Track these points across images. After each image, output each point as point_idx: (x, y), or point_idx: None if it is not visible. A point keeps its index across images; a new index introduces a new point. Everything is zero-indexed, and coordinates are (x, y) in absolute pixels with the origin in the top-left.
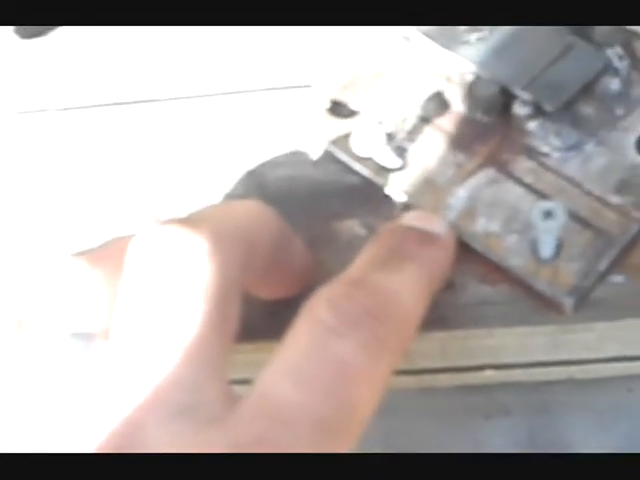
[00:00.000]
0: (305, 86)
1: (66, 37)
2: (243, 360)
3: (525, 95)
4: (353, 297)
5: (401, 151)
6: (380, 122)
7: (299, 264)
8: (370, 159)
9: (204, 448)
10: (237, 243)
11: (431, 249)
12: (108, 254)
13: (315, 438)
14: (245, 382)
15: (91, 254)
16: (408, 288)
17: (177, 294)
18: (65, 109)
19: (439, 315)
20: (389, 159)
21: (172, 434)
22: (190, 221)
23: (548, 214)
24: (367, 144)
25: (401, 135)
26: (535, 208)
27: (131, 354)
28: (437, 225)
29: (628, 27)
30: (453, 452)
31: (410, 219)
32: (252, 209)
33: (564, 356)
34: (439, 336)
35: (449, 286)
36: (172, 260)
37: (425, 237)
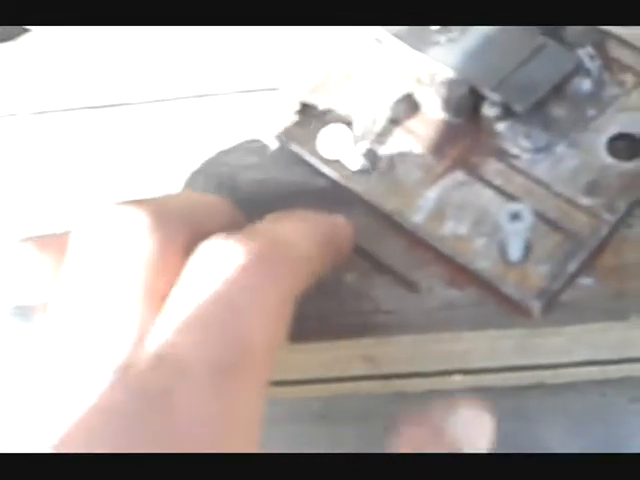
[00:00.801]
0: (274, 89)
1: (36, 41)
2: None
3: (494, 96)
4: (241, 240)
5: (370, 153)
6: (349, 124)
7: None
8: (338, 161)
9: (108, 394)
10: (180, 225)
11: (320, 217)
12: (58, 240)
13: (216, 380)
14: None
15: (40, 239)
16: (296, 234)
17: (113, 266)
18: (35, 113)
19: (406, 319)
20: (357, 161)
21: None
22: (134, 201)
23: (515, 216)
24: (335, 146)
25: (371, 137)
26: (502, 210)
27: (63, 321)
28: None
29: (600, 27)
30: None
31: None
32: (203, 197)
33: (534, 360)
34: (406, 340)
35: (413, 289)
36: (111, 235)
37: (313, 212)
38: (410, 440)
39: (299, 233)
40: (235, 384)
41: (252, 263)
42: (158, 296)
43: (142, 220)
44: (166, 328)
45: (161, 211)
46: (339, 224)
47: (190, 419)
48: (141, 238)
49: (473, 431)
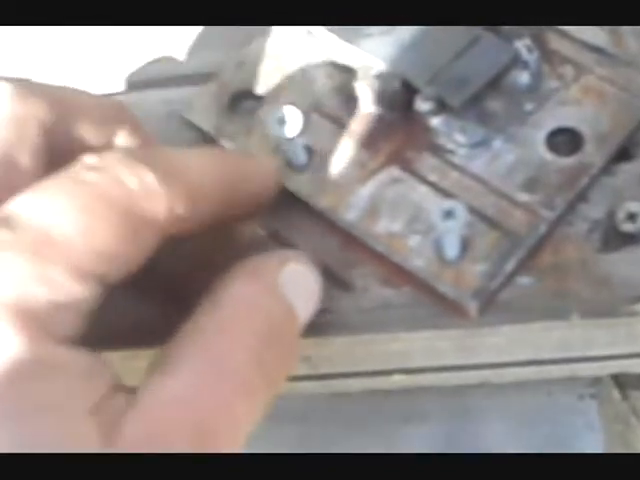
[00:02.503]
0: (202, 81)
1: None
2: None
3: (428, 90)
4: (128, 152)
5: (305, 149)
6: (280, 119)
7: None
8: (272, 158)
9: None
10: (42, 100)
11: (235, 156)
12: None
13: (42, 252)
14: None
15: None
16: (193, 160)
17: None
18: None
19: (342, 319)
20: (292, 157)
21: None
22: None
23: (449, 214)
24: (268, 142)
25: (303, 132)
26: (435, 208)
27: None
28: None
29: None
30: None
31: None
32: (83, 91)
33: (474, 360)
34: (343, 340)
35: (348, 289)
36: None
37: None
38: (242, 294)
39: (198, 162)
40: (58, 261)
41: (131, 182)
42: (8, 167)
43: (2, 88)
44: (21, 198)
45: (26, 86)
46: (256, 161)
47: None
48: None
49: (303, 287)
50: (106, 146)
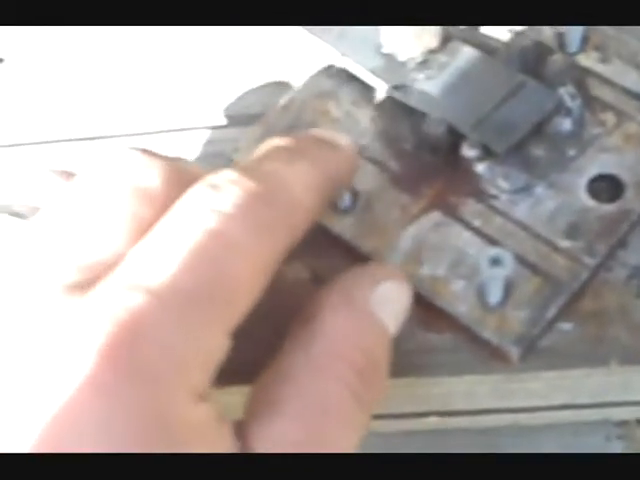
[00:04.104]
0: (249, 123)
1: (9, 71)
2: None
3: (473, 136)
4: (238, 181)
5: (351, 192)
6: None
7: None
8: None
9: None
10: (188, 183)
11: (327, 152)
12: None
13: (184, 308)
14: None
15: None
16: (298, 178)
17: (111, 192)
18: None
19: None
20: (336, 199)
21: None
22: (151, 152)
23: (495, 261)
24: None
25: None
26: (482, 255)
27: (43, 229)
28: (339, 136)
29: (581, 65)
30: None
31: (314, 131)
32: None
33: (511, 404)
34: None
35: None
36: (125, 168)
37: (323, 142)
38: (336, 326)
39: (303, 179)
40: (203, 318)
41: (249, 214)
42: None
43: (161, 168)
44: (150, 255)
45: (181, 173)
46: (344, 157)
47: (153, 347)
48: (156, 185)
49: (395, 304)
50: None
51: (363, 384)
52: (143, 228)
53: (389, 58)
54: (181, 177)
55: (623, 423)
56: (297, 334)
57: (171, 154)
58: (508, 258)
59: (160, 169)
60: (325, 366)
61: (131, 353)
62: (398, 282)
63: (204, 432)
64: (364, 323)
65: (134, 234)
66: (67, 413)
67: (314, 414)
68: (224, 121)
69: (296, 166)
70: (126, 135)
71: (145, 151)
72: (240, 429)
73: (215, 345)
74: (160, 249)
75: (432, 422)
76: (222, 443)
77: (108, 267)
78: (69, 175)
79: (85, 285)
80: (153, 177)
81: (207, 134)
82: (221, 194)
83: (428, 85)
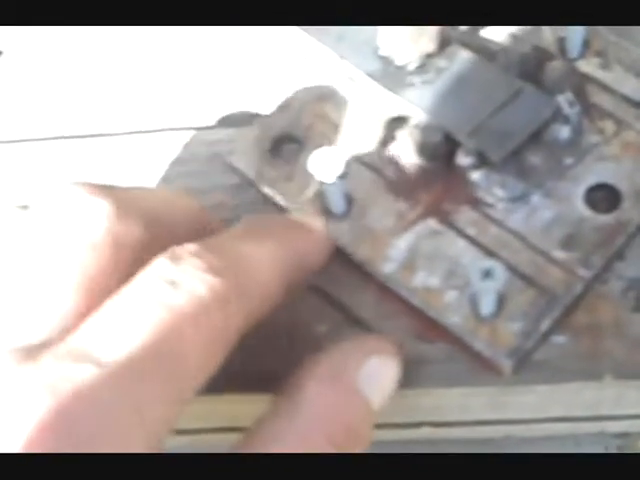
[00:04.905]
0: (244, 125)
1: (6, 67)
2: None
3: (469, 143)
4: (199, 254)
5: (343, 197)
6: (322, 165)
7: None
8: (312, 205)
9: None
10: (139, 220)
11: (296, 234)
12: None
13: (130, 383)
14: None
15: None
16: (261, 257)
17: (59, 244)
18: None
19: None
20: (330, 205)
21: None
22: (99, 186)
23: (487, 273)
24: (308, 189)
25: (343, 180)
26: (474, 267)
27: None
28: (312, 220)
29: (581, 71)
30: None
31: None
32: (169, 194)
33: (504, 416)
34: None
35: None
36: (68, 212)
37: (292, 224)
38: (321, 400)
39: (263, 258)
40: (149, 391)
41: (204, 288)
42: (96, 288)
43: (102, 207)
44: (101, 325)
45: (123, 204)
46: (314, 241)
47: (92, 419)
48: (95, 223)
49: (382, 380)
50: None
51: (342, 449)
52: (91, 276)
53: (387, 61)
54: (128, 210)
55: (622, 435)
56: (283, 400)
57: (168, 153)
58: (500, 270)
59: (105, 208)
60: (306, 437)
61: (70, 426)
62: (387, 357)
63: None
64: (348, 400)
65: (81, 286)
66: None
67: None
68: (221, 122)
69: (261, 246)
70: (122, 134)
71: (91, 187)
72: None
73: (161, 417)
74: (112, 321)
75: (425, 432)
76: None
77: (58, 328)
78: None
79: (34, 350)
80: (98, 220)
81: (203, 134)
82: (180, 267)
83: (425, 90)
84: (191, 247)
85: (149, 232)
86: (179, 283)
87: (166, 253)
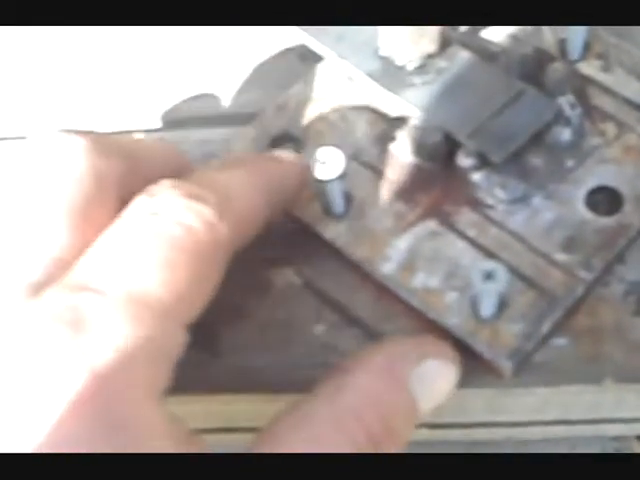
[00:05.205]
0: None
1: None
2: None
3: (470, 144)
4: (177, 186)
5: (342, 197)
6: (322, 165)
7: None
8: (312, 204)
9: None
10: (119, 157)
11: (267, 163)
12: None
13: (132, 309)
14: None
15: None
16: (239, 181)
17: (44, 182)
18: None
19: None
20: (332, 205)
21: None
22: (78, 130)
23: (489, 275)
24: (307, 188)
25: (342, 179)
26: (475, 268)
27: None
28: (282, 154)
29: (582, 73)
30: None
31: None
32: (147, 139)
33: (504, 418)
34: None
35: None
36: (48, 153)
37: (263, 155)
38: (369, 389)
39: (240, 180)
40: (155, 313)
41: (185, 213)
42: (86, 222)
43: (80, 143)
44: (95, 259)
45: (101, 141)
46: (286, 167)
47: (101, 341)
48: (75, 158)
49: (435, 384)
50: None
51: (373, 450)
52: (79, 209)
53: (387, 62)
54: (107, 147)
55: (620, 438)
56: (330, 381)
57: None
58: (502, 272)
59: (84, 144)
60: (342, 421)
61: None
62: (445, 362)
63: (155, 432)
64: (395, 394)
65: (71, 219)
66: None
67: None
68: (218, 120)
69: (237, 173)
70: (118, 132)
71: (69, 130)
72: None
73: (168, 345)
74: (107, 254)
75: (423, 434)
76: (173, 446)
77: (56, 263)
78: None
79: (36, 286)
80: (79, 155)
81: (201, 133)
82: (160, 199)
83: (425, 90)
84: (168, 181)
85: (129, 169)
86: (162, 213)
87: (145, 191)
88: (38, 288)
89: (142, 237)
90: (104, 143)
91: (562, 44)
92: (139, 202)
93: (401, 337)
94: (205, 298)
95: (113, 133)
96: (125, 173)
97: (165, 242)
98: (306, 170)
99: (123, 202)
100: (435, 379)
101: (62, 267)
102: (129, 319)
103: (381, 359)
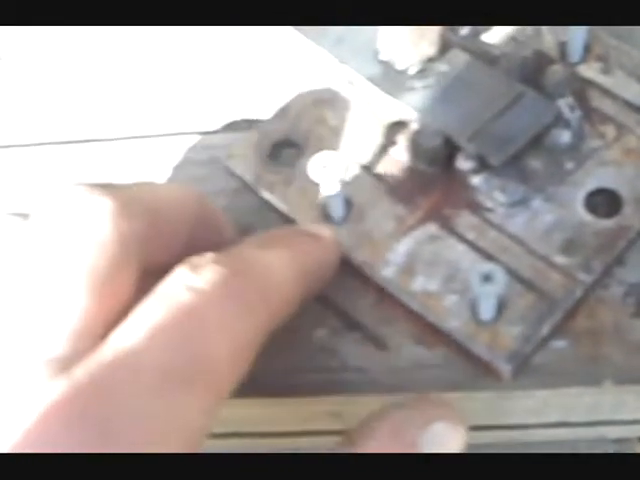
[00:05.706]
0: (243, 129)
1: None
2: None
3: (470, 148)
4: (218, 262)
5: (342, 201)
6: (321, 169)
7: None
8: (311, 210)
9: (43, 394)
10: (143, 217)
11: (307, 243)
12: None
13: (165, 387)
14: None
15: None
16: (277, 264)
17: (66, 247)
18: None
19: (374, 377)
20: (329, 209)
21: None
22: (99, 185)
23: (487, 278)
24: (307, 193)
25: (342, 184)
26: (473, 271)
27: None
28: (320, 229)
29: (582, 75)
30: None
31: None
32: (170, 188)
33: (504, 421)
34: (373, 399)
35: (381, 347)
36: (72, 214)
37: (304, 233)
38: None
39: (281, 263)
40: (184, 395)
41: (228, 293)
42: (109, 288)
43: (104, 205)
44: (127, 332)
45: (125, 200)
46: (325, 248)
47: (128, 416)
48: (99, 221)
49: (444, 447)
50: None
51: None
52: (102, 275)
53: (387, 66)
54: (131, 207)
55: (620, 440)
56: (345, 442)
57: (167, 158)
58: (500, 274)
59: (108, 205)
60: None
61: (103, 421)
62: (452, 424)
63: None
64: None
65: (95, 286)
66: None
67: None
68: (220, 126)
69: (277, 253)
70: (120, 139)
71: (91, 186)
72: None
73: (197, 425)
74: (141, 330)
75: None
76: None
77: (82, 333)
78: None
79: (69, 360)
80: (103, 218)
81: (202, 139)
82: (201, 274)
83: (425, 94)
84: (209, 255)
85: (150, 225)
86: (203, 290)
87: (185, 263)
88: (67, 363)
89: (180, 316)
90: (128, 203)
91: (562, 46)
92: (179, 276)
93: (404, 400)
94: (238, 379)
95: (132, 185)
96: (147, 232)
97: (205, 324)
98: (341, 249)
99: (144, 256)
100: (444, 442)
101: (87, 338)
102: (157, 399)
103: (387, 427)
